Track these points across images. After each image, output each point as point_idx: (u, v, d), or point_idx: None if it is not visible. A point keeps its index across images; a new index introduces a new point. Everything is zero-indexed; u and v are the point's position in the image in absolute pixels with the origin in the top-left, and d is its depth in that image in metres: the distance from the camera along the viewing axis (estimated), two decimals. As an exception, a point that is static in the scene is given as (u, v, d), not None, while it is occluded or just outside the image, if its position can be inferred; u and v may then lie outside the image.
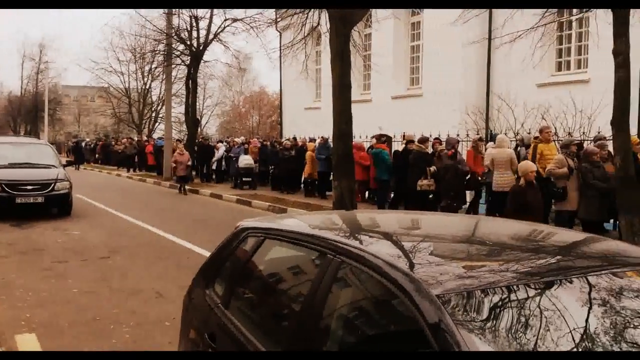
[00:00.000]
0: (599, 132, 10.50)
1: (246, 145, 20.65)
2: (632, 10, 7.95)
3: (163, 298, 6.63)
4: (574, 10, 14.89)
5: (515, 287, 2.01)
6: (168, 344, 4.93)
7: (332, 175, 12.71)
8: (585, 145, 10.51)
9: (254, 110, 51.97)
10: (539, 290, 2.02)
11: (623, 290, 2.14)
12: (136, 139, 35.39)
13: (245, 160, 19.26)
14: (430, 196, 11.51)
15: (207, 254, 4.24)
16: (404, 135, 14.04)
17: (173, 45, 23.42)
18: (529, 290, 2.00)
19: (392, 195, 13.67)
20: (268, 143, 20.73)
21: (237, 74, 44.02)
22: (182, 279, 6.32)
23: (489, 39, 16.26)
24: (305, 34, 14.41)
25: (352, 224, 3.34)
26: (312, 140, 17.90)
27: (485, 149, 11.79)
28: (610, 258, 2.46)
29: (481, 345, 1.74)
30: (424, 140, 12.27)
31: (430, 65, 19.80)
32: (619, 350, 1.85)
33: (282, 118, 30.26)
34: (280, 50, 17.93)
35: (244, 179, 19.37)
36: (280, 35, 24.74)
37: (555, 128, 12.55)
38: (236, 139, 22.69)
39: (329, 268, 2.39)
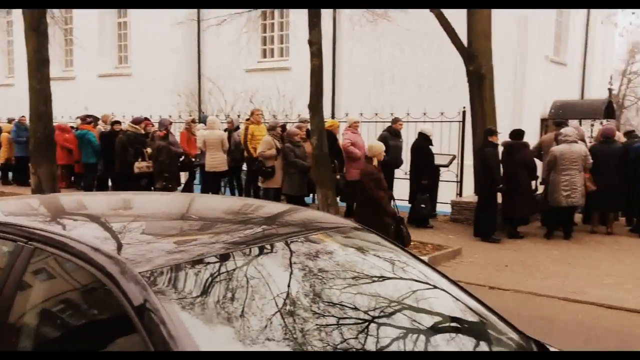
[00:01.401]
0: (299, 115, 11.51)
1: None
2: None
3: None
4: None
5: (223, 257, 2.05)
6: None
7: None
8: (288, 127, 11.42)
9: None
10: (246, 259, 2.10)
11: (319, 253, 2.36)
12: None
13: None
14: (144, 180, 11.19)
15: None
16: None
17: None
18: (237, 259, 2.07)
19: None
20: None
21: None
22: None
23: (198, 21, 16.40)
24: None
25: (53, 208, 3.02)
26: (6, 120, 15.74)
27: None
28: (308, 224, 2.69)
29: (190, 319, 1.73)
30: (138, 121, 11.80)
31: (140, 44, 19.15)
32: (318, 309, 2.00)
33: (-36, 95, 25.95)
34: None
35: None
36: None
37: (262, 111, 13.35)
38: None
39: (19, 258, 2.10)
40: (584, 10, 18.68)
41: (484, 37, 9.70)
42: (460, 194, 11.08)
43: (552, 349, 2.34)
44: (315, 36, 8.06)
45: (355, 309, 2.06)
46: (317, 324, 1.92)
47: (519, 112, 15.47)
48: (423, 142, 9.91)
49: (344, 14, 13.30)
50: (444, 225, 10.08)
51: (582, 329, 5.43)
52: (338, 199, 9.83)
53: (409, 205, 9.92)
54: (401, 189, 10.01)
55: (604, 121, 16.75)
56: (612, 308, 6.05)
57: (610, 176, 9.05)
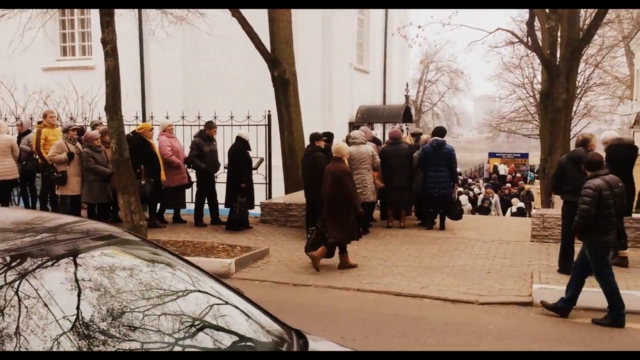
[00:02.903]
0: (99, 118, 10.88)
1: None
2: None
3: None
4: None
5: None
6: None
7: None
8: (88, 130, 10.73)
9: None
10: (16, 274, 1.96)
11: (115, 268, 2.31)
12: None
13: None
14: None
15: None
16: None
17: None
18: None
19: None
20: None
21: None
22: None
23: (-17, 14, 14.72)
24: None
25: None
26: None
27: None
28: (92, 234, 2.57)
29: None
30: None
31: None
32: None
33: None
34: None
35: None
36: None
37: (59, 113, 12.39)
38: None
39: None
40: (382, 21, 20.24)
41: (286, 44, 10.04)
42: (269, 195, 11.33)
43: (309, 336, 2.48)
44: (108, 35, 7.64)
45: (110, 318, 2.00)
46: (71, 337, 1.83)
47: (328, 116, 16.29)
48: (241, 146, 9.86)
49: (145, 14, 12.87)
50: (254, 226, 10.22)
51: (368, 315, 5.85)
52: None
53: (226, 208, 9.93)
54: (220, 192, 10.04)
55: (403, 124, 18.34)
56: (399, 295, 6.61)
57: (399, 175, 9.90)
